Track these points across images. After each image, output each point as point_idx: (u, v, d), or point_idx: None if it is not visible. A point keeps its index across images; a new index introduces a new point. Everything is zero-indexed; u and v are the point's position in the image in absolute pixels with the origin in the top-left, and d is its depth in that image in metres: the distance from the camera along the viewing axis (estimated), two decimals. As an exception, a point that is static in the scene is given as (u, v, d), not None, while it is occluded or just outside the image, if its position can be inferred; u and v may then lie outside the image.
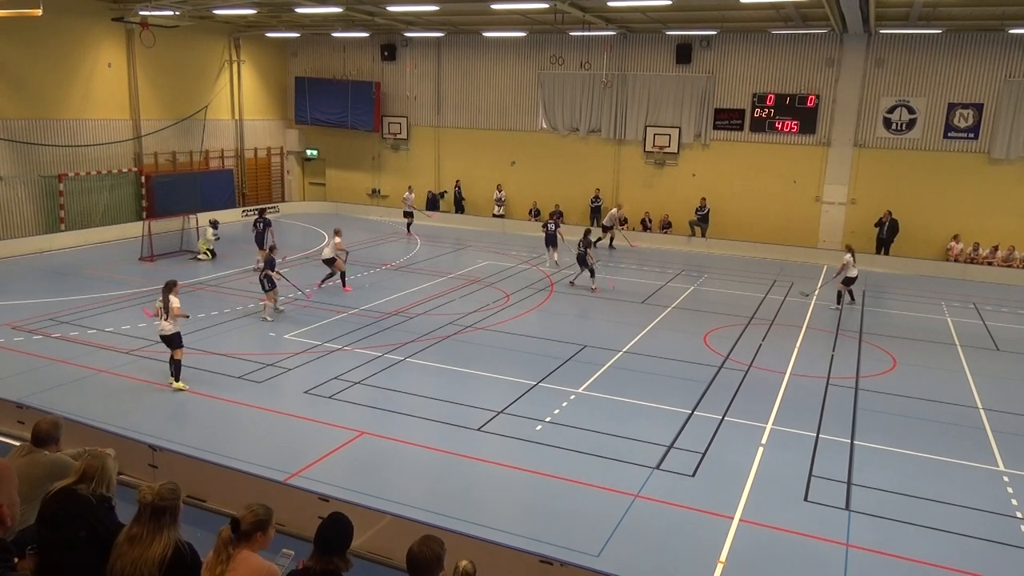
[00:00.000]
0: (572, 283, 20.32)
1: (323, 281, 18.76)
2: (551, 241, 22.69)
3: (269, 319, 16.18)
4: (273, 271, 16.32)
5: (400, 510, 8.04)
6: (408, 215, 27.48)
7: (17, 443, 8.87)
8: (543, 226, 23.39)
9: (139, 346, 14.09)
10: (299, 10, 23.76)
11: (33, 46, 23.13)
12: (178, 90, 28.43)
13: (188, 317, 12.52)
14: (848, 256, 18.27)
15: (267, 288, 16.17)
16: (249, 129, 32.19)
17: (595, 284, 19.86)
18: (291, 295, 17.84)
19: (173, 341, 11.97)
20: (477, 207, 31.00)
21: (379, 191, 32.84)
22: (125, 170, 26.65)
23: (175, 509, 4.26)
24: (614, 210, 26.24)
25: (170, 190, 27.26)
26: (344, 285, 18.89)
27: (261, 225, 21.12)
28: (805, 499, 9.27)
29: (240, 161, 31.96)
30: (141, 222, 23.69)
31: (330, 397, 12.02)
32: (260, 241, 20.79)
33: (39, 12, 19.57)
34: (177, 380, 12.04)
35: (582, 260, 19.85)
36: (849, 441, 10.99)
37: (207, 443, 10.00)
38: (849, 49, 25.05)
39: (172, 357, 12.05)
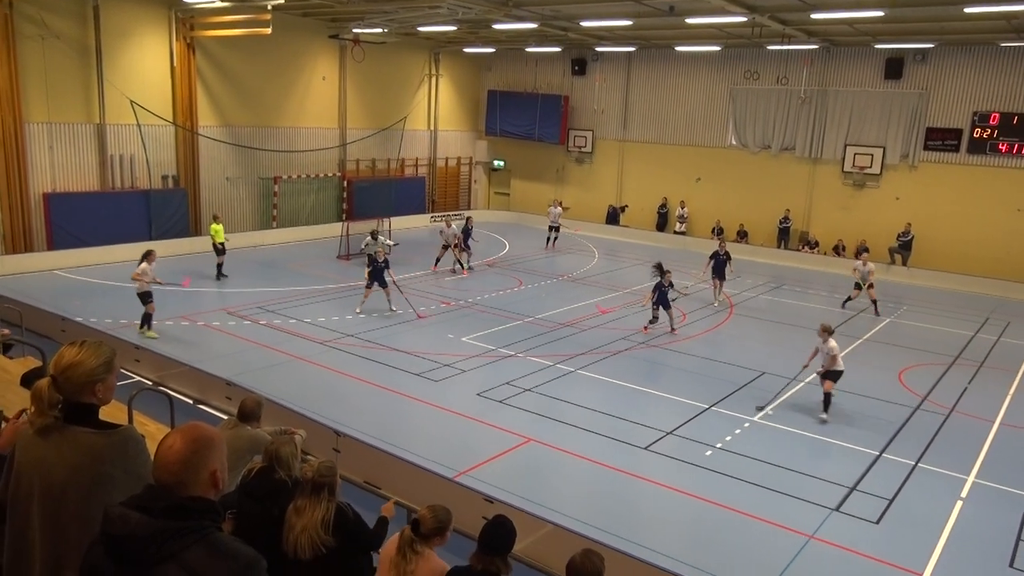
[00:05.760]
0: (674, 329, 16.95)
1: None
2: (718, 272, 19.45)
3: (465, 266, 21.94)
4: (467, 243, 22.09)
5: (561, 520, 8.06)
6: (554, 228, 26.99)
7: (224, 416, 9.89)
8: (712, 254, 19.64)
9: (332, 337, 15.20)
10: (496, 26, 24.65)
11: (261, 61, 25.69)
12: (381, 101, 30.47)
13: (160, 284, 14.72)
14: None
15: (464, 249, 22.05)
16: (442, 139, 33.83)
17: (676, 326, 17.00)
18: (507, 288, 18.54)
19: (143, 298, 14.51)
20: (655, 223, 30.60)
21: (561, 203, 33.23)
22: (330, 174, 28.91)
23: (333, 484, 4.68)
24: (865, 264, 19.68)
25: (368, 195, 29.16)
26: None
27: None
28: (1011, 565, 8.26)
29: (432, 169, 33.67)
30: (341, 223, 25.58)
31: (501, 401, 12.31)
32: (466, 240, 22.89)
33: (268, 31, 21.88)
34: (148, 328, 14.57)
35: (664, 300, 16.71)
36: (1070, 506, 9.68)
37: (384, 433, 10.55)
38: (1096, 63, 22.16)
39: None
